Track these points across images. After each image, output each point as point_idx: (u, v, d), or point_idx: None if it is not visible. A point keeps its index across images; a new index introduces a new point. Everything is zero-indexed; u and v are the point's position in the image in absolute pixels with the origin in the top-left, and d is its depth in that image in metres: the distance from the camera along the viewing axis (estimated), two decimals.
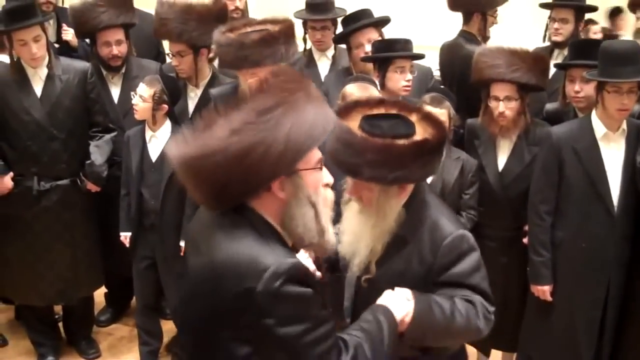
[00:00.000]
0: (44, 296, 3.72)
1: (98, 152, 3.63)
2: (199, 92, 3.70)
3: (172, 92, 3.52)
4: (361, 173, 1.91)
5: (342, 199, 2.06)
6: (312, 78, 3.99)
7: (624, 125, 3.08)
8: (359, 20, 3.80)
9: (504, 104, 3.23)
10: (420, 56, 3.62)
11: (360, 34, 3.76)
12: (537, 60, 3.31)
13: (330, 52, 4.19)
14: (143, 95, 3.46)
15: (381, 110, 2.06)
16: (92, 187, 3.69)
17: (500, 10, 4.44)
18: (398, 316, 1.85)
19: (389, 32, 4.00)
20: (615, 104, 2.97)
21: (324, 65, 4.18)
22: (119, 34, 3.83)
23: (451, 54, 4.17)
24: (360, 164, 1.90)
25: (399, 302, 1.88)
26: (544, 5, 4.13)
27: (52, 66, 3.54)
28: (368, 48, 3.66)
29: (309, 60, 4.18)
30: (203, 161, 1.52)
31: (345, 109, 2.08)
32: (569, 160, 3.08)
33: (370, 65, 3.59)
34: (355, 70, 3.76)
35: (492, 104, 3.27)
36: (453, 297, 1.96)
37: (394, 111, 2.04)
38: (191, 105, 3.74)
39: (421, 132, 1.98)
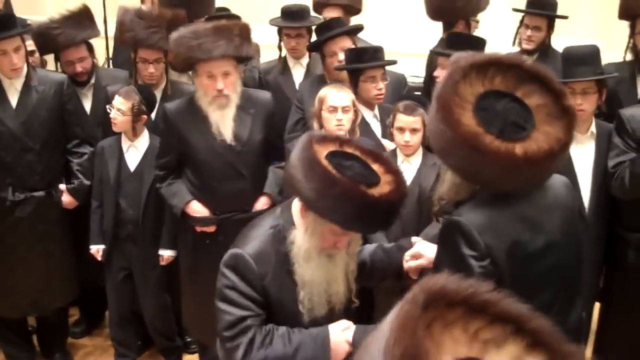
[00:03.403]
0: (17, 308, 3.68)
1: (84, 172, 3.62)
2: (159, 96, 3.69)
3: (148, 101, 3.50)
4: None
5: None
6: (287, 86, 4.03)
7: (593, 128, 3.13)
8: (332, 29, 3.80)
9: None
10: (392, 62, 3.63)
11: (333, 42, 3.75)
12: None
13: (305, 60, 4.19)
14: (121, 109, 3.42)
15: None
16: (68, 204, 3.65)
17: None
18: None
19: (367, 38, 4.01)
20: None
21: (298, 73, 4.19)
22: (81, 52, 3.83)
23: (429, 62, 4.21)
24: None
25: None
26: (517, 10, 4.17)
27: (30, 77, 3.50)
28: (342, 56, 3.65)
29: (284, 67, 4.19)
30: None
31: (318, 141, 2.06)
32: None
33: (344, 73, 3.60)
34: (329, 78, 3.75)
35: None
36: None
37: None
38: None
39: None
